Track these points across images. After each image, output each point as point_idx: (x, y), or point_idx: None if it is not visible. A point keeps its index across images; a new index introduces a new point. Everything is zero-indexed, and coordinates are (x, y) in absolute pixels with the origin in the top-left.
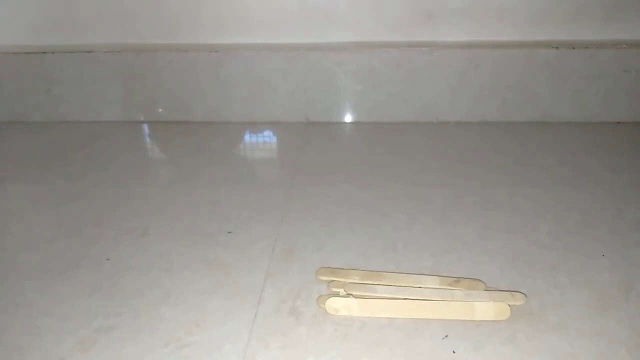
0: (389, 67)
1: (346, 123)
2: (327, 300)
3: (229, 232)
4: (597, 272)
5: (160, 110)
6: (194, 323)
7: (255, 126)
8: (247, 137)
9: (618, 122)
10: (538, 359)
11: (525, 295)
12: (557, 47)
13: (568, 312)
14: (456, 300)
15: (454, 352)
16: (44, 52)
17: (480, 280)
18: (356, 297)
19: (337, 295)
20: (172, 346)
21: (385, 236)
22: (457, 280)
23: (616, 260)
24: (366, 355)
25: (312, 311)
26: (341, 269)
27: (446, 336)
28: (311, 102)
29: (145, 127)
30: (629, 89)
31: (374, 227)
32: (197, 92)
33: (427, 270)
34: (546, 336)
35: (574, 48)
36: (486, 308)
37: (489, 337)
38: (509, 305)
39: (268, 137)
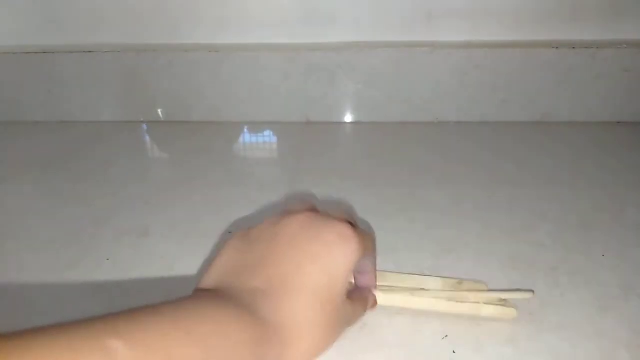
0: (389, 67)
1: (346, 123)
2: None
3: (229, 233)
4: (597, 272)
5: (160, 110)
6: None
7: (255, 126)
8: (247, 137)
9: (618, 122)
10: (538, 359)
11: (516, 309)
12: (557, 47)
13: (568, 312)
14: (462, 302)
15: (454, 352)
16: (44, 52)
17: (483, 282)
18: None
19: None
20: None
21: (385, 236)
22: (460, 281)
23: (616, 260)
24: (366, 355)
25: None
26: None
27: (446, 336)
28: (311, 102)
29: (145, 127)
30: (629, 89)
31: (373, 227)
32: (197, 92)
33: (427, 271)
34: (546, 336)
35: (574, 48)
36: (493, 311)
37: (489, 337)
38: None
39: (268, 137)
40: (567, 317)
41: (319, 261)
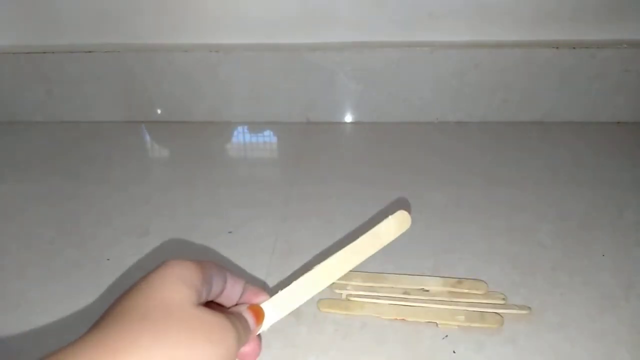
0: (389, 67)
1: (346, 123)
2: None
3: (229, 232)
4: (597, 272)
5: (159, 110)
6: None
7: (255, 126)
8: (247, 137)
9: (618, 122)
10: (538, 359)
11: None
12: (557, 47)
13: (568, 312)
14: (460, 307)
15: (454, 352)
16: (44, 52)
17: (482, 281)
18: (357, 301)
19: (338, 298)
20: None
21: None
22: (460, 281)
23: (616, 260)
24: (366, 355)
25: (313, 311)
26: None
27: (446, 336)
28: (311, 102)
29: (145, 127)
30: (629, 89)
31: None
32: (197, 92)
33: (427, 271)
34: (546, 336)
35: (574, 48)
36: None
37: (489, 337)
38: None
39: (268, 137)
40: (567, 317)
41: None
